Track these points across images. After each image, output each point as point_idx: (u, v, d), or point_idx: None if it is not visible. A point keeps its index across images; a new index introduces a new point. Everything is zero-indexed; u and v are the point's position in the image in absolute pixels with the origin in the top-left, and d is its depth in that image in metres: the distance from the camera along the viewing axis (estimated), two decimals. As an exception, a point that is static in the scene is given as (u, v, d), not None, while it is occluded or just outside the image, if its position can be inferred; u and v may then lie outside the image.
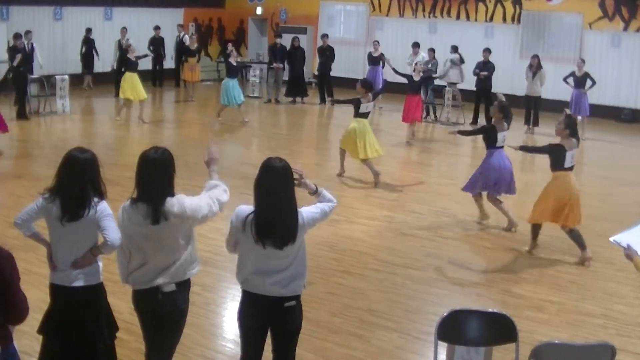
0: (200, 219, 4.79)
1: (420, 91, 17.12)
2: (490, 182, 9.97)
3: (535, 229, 9.18)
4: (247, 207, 4.68)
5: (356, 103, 12.52)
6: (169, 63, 24.12)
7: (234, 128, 17.80)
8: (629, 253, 4.83)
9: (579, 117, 17.91)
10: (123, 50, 19.05)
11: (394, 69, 17.17)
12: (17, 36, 17.54)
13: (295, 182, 4.76)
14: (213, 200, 4.84)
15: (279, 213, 4.58)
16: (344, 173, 12.94)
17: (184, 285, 4.95)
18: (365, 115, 12.58)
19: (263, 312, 4.70)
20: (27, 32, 18.66)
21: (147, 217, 4.70)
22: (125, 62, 18.51)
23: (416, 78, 16.66)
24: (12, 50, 17.52)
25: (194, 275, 4.95)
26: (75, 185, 4.72)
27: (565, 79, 18.05)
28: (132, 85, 17.80)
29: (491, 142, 9.96)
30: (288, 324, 4.76)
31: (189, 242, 4.86)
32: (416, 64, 17.64)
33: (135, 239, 4.79)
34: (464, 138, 15.78)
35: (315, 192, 4.88)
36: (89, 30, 22.41)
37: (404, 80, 16.63)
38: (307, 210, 4.74)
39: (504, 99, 10.56)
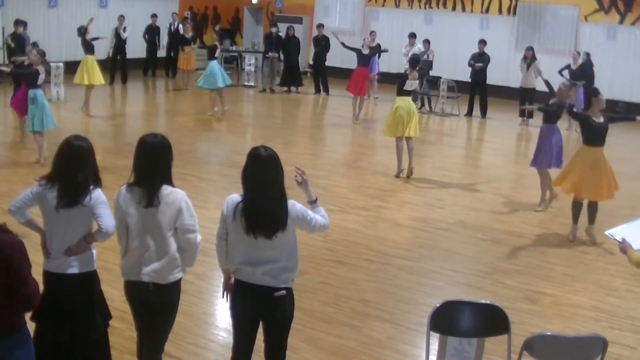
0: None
1: (368, 65, 17.76)
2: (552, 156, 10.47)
3: (576, 209, 9.50)
4: (237, 196, 4.68)
5: (402, 79, 12.20)
6: (161, 52, 23.93)
7: (227, 117, 17.75)
8: (623, 247, 4.84)
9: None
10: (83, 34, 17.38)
11: (342, 43, 17.82)
12: None
13: (297, 179, 4.77)
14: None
15: (267, 201, 4.57)
16: (404, 171, 12.37)
17: None
18: (408, 93, 12.27)
19: (254, 301, 4.70)
20: None
21: (142, 200, 4.73)
22: (88, 46, 17.23)
23: (365, 52, 17.42)
24: None
25: (176, 280, 4.93)
26: (80, 173, 4.75)
27: (560, 72, 18.06)
28: (88, 69, 16.74)
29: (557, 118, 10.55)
30: (278, 313, 4.76)
31: (176, 242, 4.85)
32: (364, 39, 18.62)
33: (127, 222, 4.80)
34: (455, 128, 15.75)
35: (313, 202, 4.85)
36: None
37: (400, 71, 16.61)
38: (300, 206, 4.72)
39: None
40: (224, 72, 17.93)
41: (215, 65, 17.63)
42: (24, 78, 12.20)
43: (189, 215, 4.80)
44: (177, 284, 4.93)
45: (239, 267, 4.69)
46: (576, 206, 9.48)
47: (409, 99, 12.25)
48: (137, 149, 4.81)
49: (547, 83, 11.46)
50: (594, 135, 9.19)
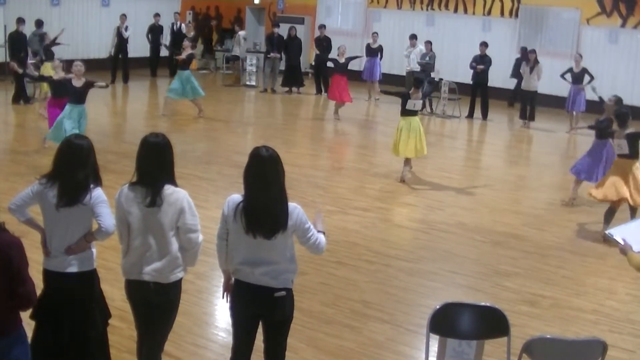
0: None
1: (346, 72, 18.41)
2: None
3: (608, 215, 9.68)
4: (238, 196, 4.69)
5: (404, 98, 11.88)
6: (163, 51, 23.83)
7: (228, 117, 17.75)
8: (623, 248, 4.83)
9: (574, 112, 17.97)
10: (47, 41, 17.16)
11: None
12: None
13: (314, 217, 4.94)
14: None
15: (268, 201, 4.58)
16: (409, 176, 12.30)
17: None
18: (413, 112, 11.96)
19: (253, 301, 4.70)
20: None
21: (144, 200, 4.73)
22: (48, 52, 16.93)
23: (341, 60, 18.34)
24: None
25: (177, 279, 4.93)
26: (80, 172, 4.76)
27: (562, 75, 18.02)
28: None
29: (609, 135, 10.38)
30: (278, 313, 4.76)
31: (178, 242, 4.85)
32: (339, 47, 19.03)
33: (128, 222, 4.81)
34: (456, 130, 15.73)
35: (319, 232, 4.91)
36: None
37: (402, 73, 16.68)
38: (302, 211, 4.71)
39: None
40: (188, 84, 16.95)
41: (186, 75, 16.91)
42: (76, 92, 11.47)
43: (190, 214, 4.80)
44: (178, 284, 4.93)
45: (239, 267, 4.70)
46: (609, 212, 9.65)
47: (412, 118, 11.94)
48: (140, 148, 4.82)
49: (600, 98, 12.22)
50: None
